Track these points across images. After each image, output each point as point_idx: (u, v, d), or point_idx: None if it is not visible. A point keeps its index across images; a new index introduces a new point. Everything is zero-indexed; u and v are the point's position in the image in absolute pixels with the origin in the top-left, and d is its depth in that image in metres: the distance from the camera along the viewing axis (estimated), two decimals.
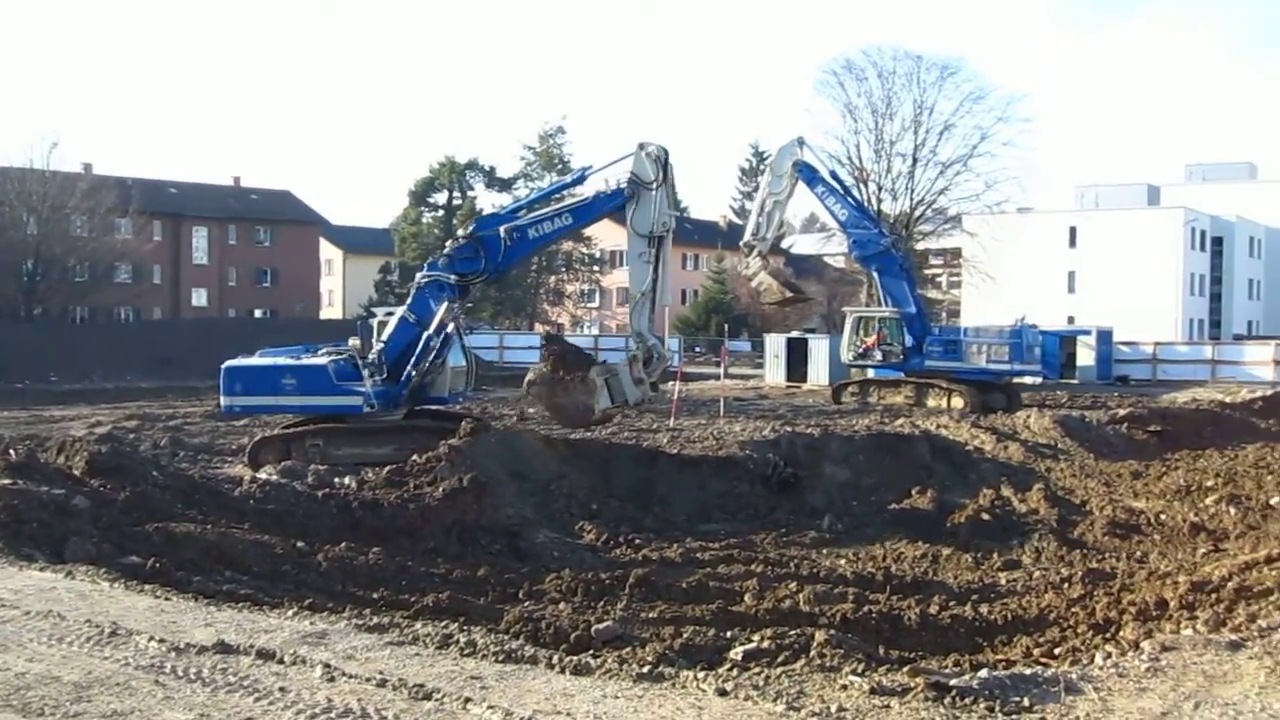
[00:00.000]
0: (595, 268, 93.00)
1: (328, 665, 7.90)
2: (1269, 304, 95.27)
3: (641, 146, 21.77)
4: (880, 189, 64.70)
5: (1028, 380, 41.96)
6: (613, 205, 22.56)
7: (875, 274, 36.72)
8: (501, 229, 22.61)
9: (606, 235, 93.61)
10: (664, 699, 7.15)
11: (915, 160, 64.50)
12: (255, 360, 22.59)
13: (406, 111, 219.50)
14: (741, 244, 36.63)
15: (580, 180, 24.44)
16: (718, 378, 40.83)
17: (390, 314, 23.53)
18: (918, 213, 65.86)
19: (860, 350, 36.67)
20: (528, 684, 7.51)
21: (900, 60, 64.55)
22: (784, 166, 35.17)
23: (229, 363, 22.58)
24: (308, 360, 22.26)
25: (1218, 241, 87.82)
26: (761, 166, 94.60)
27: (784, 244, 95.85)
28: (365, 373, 21.68)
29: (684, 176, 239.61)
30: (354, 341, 22.78)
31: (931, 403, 34.97)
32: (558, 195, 25.04)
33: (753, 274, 35.44)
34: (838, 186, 36.27)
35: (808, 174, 35.61)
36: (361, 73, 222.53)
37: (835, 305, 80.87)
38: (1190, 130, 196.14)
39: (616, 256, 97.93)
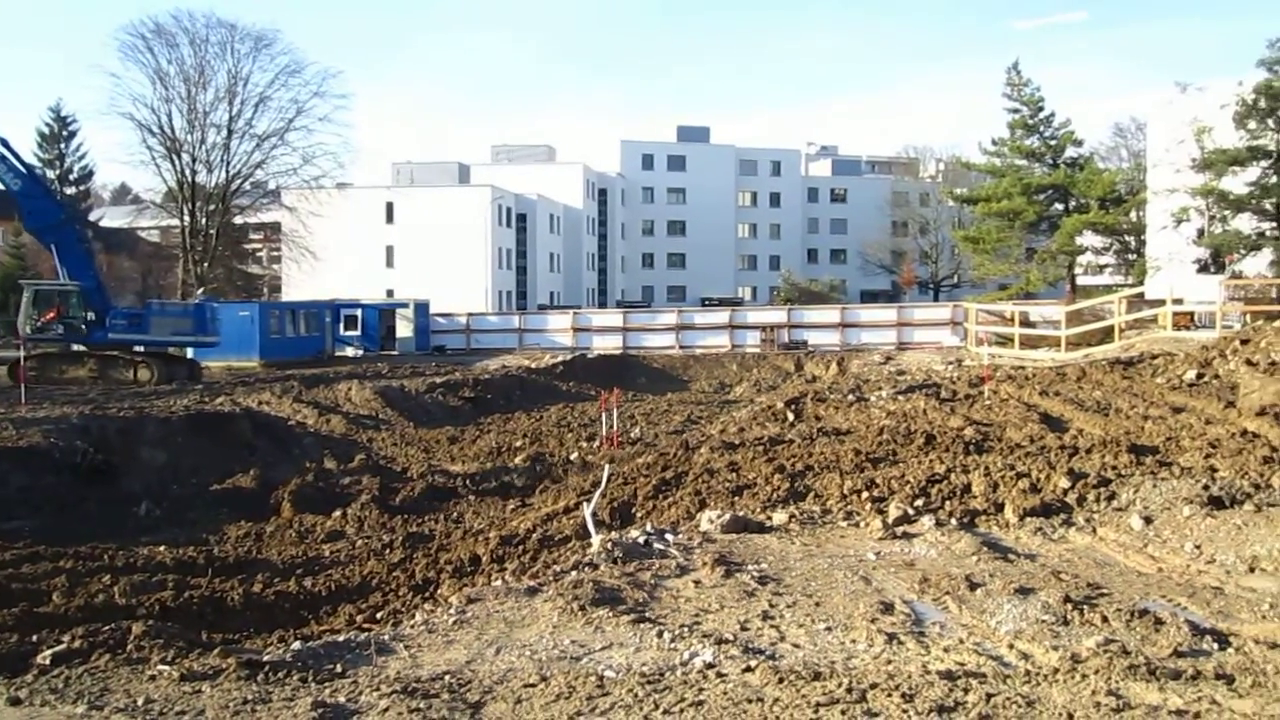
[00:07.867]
0: None
1: None
2: (568, 276, 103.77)
3: None
4: (195, 160, 62.58)
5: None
6: None
7: (53, 247, 36.00)
8: None
9: None
10: None
11: (231, 132, 63.01)
12: None
13: None
14: None
15: None
16: (19, 362, 37.65)
17: None
18: (234, 186, 64.47)
19: (39, 324, 35.62)
20: None
21: (214, 28, 62.65)
22: None
23: None
24: None
25: (522, 218, 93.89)
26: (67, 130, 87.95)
27: (93, 216, 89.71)
28: None
29: None
30: None
31: (117, 375, 35.25)
32: None
33: None
34: (9, 155, 35.20)
35: None
36: None
37: (151, 281, 77.19)
38: (497, 115, 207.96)
39: None
